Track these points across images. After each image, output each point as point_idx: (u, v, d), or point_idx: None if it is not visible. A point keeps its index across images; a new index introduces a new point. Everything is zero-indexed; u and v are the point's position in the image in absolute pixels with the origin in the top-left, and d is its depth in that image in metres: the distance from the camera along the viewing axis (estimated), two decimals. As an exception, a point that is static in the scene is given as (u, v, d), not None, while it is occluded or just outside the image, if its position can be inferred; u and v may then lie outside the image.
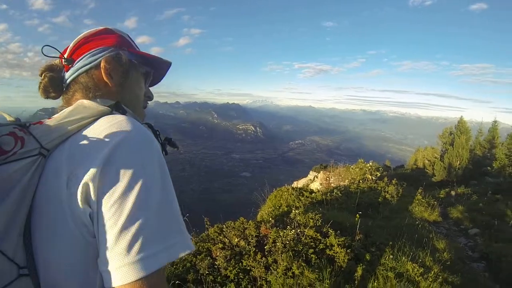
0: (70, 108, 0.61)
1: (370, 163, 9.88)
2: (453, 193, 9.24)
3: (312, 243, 2.98)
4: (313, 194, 7.45)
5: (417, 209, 6.49)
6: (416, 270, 2.91)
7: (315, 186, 11.05)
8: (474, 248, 5.00)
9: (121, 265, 0.47)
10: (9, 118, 0.60)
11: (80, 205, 0.49)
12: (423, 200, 6.89)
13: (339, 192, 6.72)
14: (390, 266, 2.94)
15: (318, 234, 3.12)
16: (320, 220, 3.53)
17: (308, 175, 16.50)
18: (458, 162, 14.55)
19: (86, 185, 0.49)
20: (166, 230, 0.51)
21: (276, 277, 2.38)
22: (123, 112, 0.63)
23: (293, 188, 8.30)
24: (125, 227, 0.48)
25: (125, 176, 0.50)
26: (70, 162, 0.51)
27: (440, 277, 2.96)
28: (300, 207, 5.23)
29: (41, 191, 0.51)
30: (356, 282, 2.63)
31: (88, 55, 0.68)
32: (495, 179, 12.10)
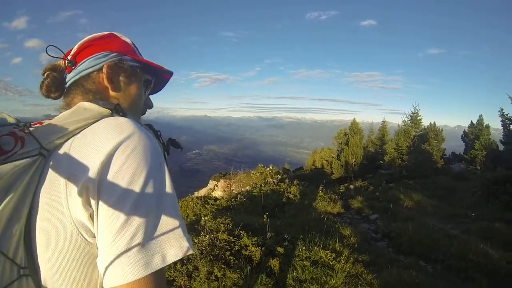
0: (71, 109, 0.61)
1: (270, 167, 10.35)
2: (352, 187, 10.89)
3: (227, 246, 3.13)
4: (217, 201, 7.62)
5: (320, 204, 6.82)
6: (328, 256, 3.23)
7: (217, 194, 11.22)
8: (376, 230, 5.58)
9: (120, 265, 0.47)
10: (9, 119, 0.59)
11: (80, 206, 0.49)
12: (325, 196, 7.26)
13: (243, 197, 7.04)
14: (304, 256, 3.23)
15: (231, 237, 3.29)
16: (230, 224, 3.71)
17: (208, 184, 16.56)
18: (354, 159, 17.43)
19: (86, 186, 0.49)
20: (166, 231, 0.51)
21: (200, 282, 2.41)
22: (124, 115, 0.63)
23: (197, 197, 8.24)
24: (124, 228, 0.48)
25: (125, 177, 0.50)
26: (70, 162, 0.52)
27: (351, 258, 3.33)
28: (208, 214, 5.29)
29: (41, 191, 0.51)
30: (276, 275, 2.88)
31: (91, 59, 0.68)
32: (387, 171, 14.92)
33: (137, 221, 0.49)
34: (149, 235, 0.49)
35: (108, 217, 0.48)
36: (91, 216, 0.50)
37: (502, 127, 11.17)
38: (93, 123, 0.57)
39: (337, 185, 11.79)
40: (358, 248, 4.00)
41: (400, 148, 15.64)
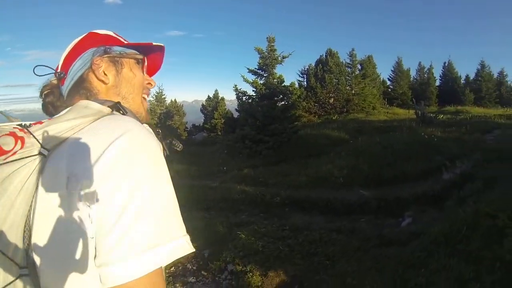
0: (70, 108, 0.61)
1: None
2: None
3: None
4: None
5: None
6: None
7: None
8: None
9: (119, 266, 0.47)
10: (9, 119, 0.62)
11: (80, 205, 0.49)
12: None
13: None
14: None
15: None
16: None
17: None
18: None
19: (86, 185, 0.49)
20: (165, 230, 0.52)
21: None
22: (123, 113, 0.64)
23: None
24: (123, 227, 0.48)
25: (125, 176, 0.50)
26: (70, 162, 0.51)
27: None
28: None
29: (41, 191, 0.51)
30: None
31: (79, 61, 0.69)
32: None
33: (136, 221, 0.49)
34: (149, 234, 0.50)
35: (107, 217, 0.49)
36: (90, 216, 0.50)
37: (236, 99, 14.85)
38: (93, 121, 0.58)
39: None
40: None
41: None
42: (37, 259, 0.50)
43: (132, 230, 0.48)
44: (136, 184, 0.51)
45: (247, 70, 13.15)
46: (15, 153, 0.50)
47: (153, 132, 0.63)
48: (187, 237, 0.54)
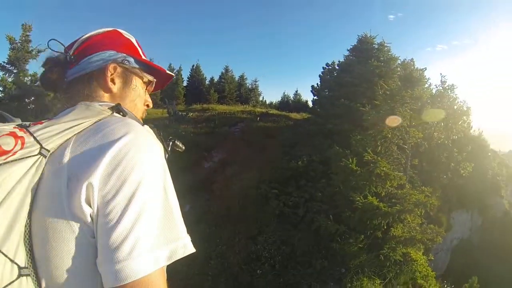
0: (71, 109, 0.61)
1: None
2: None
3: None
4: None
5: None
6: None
7: None
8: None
9: (120, 265, 0.47)
10: (9, 119, 0.61)
11: (81, 206, 0.49)
12: None
13: None
14: None
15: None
16: None
17: None
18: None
19: (87, 186, 0.49)
20: (166, 231, 0.52)
21: None
22: (124, 114, 0.64)
23: None
24: (125, 228, 0.48)
25: (126, 177, 0.50)
26: (71, 162, 0.51)
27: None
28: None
29: (41, 191, 0.51)
30: None
31: (94, 57, 0.68)
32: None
33: (137, 222, 0.49)
34: (150, 236, 0.50)
35: (109, 218, 0.49)
36: (91, 216, 0.50)
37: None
38: (94, 123, 0.57)
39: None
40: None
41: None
42: (37, 259, 0.50)
43: (133, 231, 0.49)
44: (137, 185, 0.51)
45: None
46: (15, 153, 0.50)
47: (154, 133, 0.64)
48: (188, 238, 0.55)
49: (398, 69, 9.07)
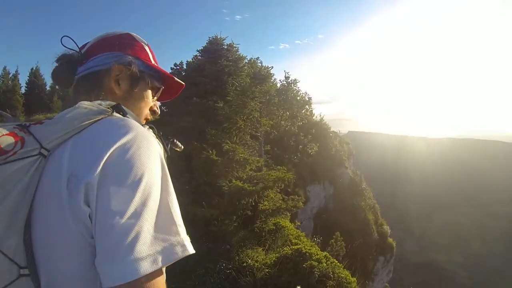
0: (72, 108, 0.60)
1: None
2: None
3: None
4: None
5: None
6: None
7: None
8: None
9: (118, 265, 0.47)
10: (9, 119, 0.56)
11: (80, 206, 0.49)
12: None
13: None
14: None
15: None
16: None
17: None
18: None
19: (86, 186, 0.49)
20: (165, 232, 0.51)
21: None
22: (124, 114, 0.63)
23: None
24: (124, 228, 0.47)
25: (125, 177, 0.50)
26: (71, 162, 0.51)
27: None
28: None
29: (41, 191, 0.51)
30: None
31: (102, 57, 0.70)
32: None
33: (137, 222, 0.49)
34: (149, 236, 0.49)
35: (108, 218, 0.48)
36: (90, 216, 0.49)
37: None
38: (93, 122, 0.56)
39: None
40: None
41: None
42: (37, 259, 0.50)
43: (133, 231, 0.48)
44: (137, 185, 0.50)
45: None
46: (15, 153, 0.51)
47: (154, 133, 0.65)
48: (188, 239, 0.55)
49: (245, 67, 10.33)
